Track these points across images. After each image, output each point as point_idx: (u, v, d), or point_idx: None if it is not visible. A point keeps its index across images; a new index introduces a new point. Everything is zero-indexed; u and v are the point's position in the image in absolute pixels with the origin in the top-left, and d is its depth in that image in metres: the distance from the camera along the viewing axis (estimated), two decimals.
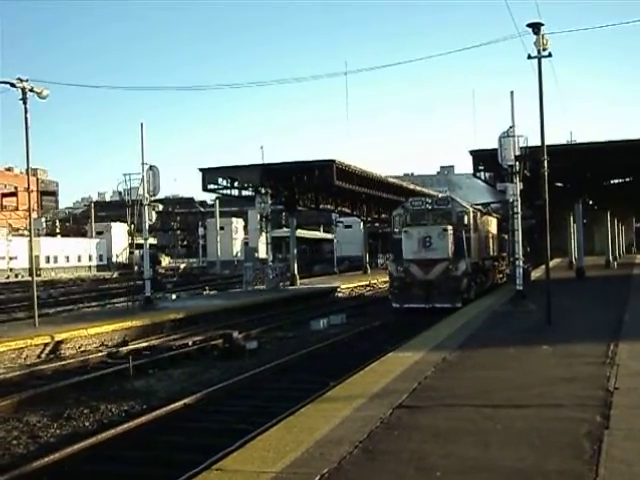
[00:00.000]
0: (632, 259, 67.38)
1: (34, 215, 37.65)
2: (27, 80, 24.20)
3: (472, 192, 67.05)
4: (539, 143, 21.45)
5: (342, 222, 76.13)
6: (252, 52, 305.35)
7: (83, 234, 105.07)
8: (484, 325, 20.88)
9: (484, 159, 37.35)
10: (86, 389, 16.40)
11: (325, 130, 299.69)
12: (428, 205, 30.74)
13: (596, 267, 48.62)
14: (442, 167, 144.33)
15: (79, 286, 61.35)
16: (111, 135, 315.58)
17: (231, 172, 44.06)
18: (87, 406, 14.71)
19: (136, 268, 58.52)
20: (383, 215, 60.32)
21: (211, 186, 44.76)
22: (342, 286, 44.62)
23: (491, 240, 37.18)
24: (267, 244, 45.78)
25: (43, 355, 20.99)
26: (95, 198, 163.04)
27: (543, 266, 29.09)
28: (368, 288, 46.37)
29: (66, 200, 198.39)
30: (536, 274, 39.97)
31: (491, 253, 36.78)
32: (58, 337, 21.84)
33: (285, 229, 71.86)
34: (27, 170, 26.49)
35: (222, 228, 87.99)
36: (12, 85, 23.91)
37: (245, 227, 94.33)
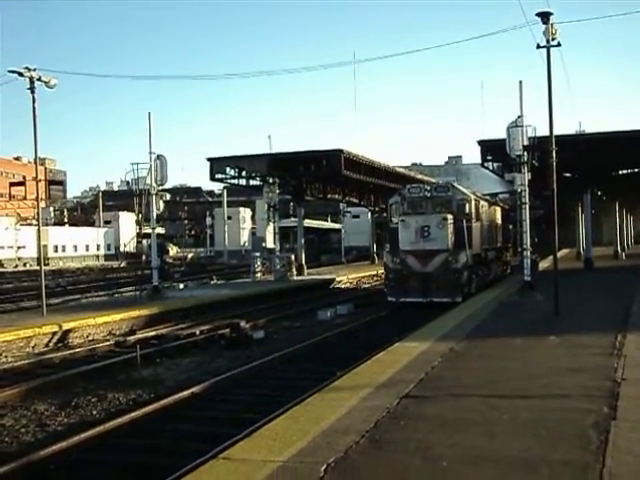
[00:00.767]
0: None
1: (42, 204, 37.42)
2: (35, 69, 24.23)
3: (480, 182, 66.90)
4: (547, 133, 21.37)
5: (350, 212, 76.07)
6: (260, 43, 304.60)
7: (91, 223, 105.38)
8: (491, 316, 20.86)
9: (492, 149, 37.23)
10: (94, 378, 16.46)
11: (333, 120, 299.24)
12: (427, 192, 29.08)
13: (604, 258, 48.51)
14: (450, 157, 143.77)
15: (87, 275, 61.51)
16: (119, 124, 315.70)
17: (239, 162, 44.04)
18: (95, 395, 14.79)
19: (144, 257, 58.75)
20: None
21: (219, 176, 44.76)
22: (349, 276, 44.63)
23: (494, 230, 35.65)
24: (275, 234, 45.77)
25: (51, 344, 21.07)
26: (103, 187, 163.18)
27: (551, 257, 29.02)
28: (375, 278, 46.33)
29: (74, 189, 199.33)
30: (544, 265, 39.89)
31: (494, 244, 35.06)
32: (66, 326, 21.91)
33: (293, 219, 71.84)
34: (35, 159, 26.52)
35: (229, 218, 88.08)
36: (20, 74, 23.96)
37: (253, 217, 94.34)
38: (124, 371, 17.34)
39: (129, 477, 10.07)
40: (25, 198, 36.53)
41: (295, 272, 42.91)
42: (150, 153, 30.84)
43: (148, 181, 31.46)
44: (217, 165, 43.81)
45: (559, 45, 21.00)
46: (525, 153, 25.43)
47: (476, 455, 7.61)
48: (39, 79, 24.26)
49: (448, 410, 9.53)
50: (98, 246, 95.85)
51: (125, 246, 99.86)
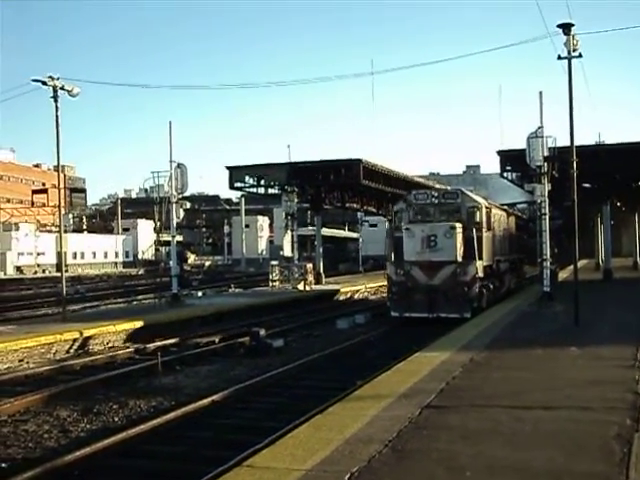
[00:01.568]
0: None
1: (62, 211, 37.50)
2: (58, 78, 24.48)
3: (499, 192, 66.76)
4: (567, 143, 21.37)
5: (367, 221, 76.12)
6: (279, 49, 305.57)
7: (109, 231, 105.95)
8: (511, 326, 20.81)
9: (512, 159, 37.16)
10: (115, 385, 16.57)
11: (351, 128, 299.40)
12: (434, 199, 27.19)
13: (623, 269, 48.25)
14: (468, 166, 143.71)
15: (105, 282, 61.82)
16: (138, 132, 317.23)
17: (258, 170, 44.25)
18: (116, 402, 14.88)
19: (162, 265, 59.09)
20: None
21: (238, 184, 45.02)
22: (367, 285, 44.57)
23: (508, 240, 34.15)
24: (292, 242, 45.84)
25: (72, 350, 21.21)
26: (121, 195, 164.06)
27: (570, 267, 28.92)
28: None
29: (93, 196, 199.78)
30: (563, 275, 39.77)
31: (508, 254, 33.39)
32: (86, 333, 22.06)
33: (311, 227, 71.86)
34: (57, 167, 26.76)
35: (247, 226, 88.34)
36: (44, 83, 24.20)
37: (270, 225, 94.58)
38: (144, 378, 17.44)
39: None
40: (45, 205, 36.70)
41: (313, 281, 42.95)
42: (171, 161, 31.04)
43: (167, 189, 31.69)
44: (236, 174, 44.05)
45: (580, 56, 21.02)
46: (545, 164, 25.42)
47: (499, 465, 7.63)
48: (62, 88, 24.51)
49: (470, 420, 9.55)
50: (116, 253, 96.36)
51: (143, 253, 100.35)
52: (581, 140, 28.28)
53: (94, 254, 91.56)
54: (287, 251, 48.17)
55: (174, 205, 31.24)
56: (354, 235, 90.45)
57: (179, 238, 73.48)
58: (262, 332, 21.80)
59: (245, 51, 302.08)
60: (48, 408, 14.41)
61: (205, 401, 14.20)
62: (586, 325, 19.40)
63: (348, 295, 40.69)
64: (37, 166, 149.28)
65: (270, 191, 47.20)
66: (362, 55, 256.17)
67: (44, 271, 76.67)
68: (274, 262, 47.33)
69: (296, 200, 43.89)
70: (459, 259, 25.49)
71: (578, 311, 19.77)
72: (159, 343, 22.17)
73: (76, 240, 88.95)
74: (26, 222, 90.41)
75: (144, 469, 10.49)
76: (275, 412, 13.42)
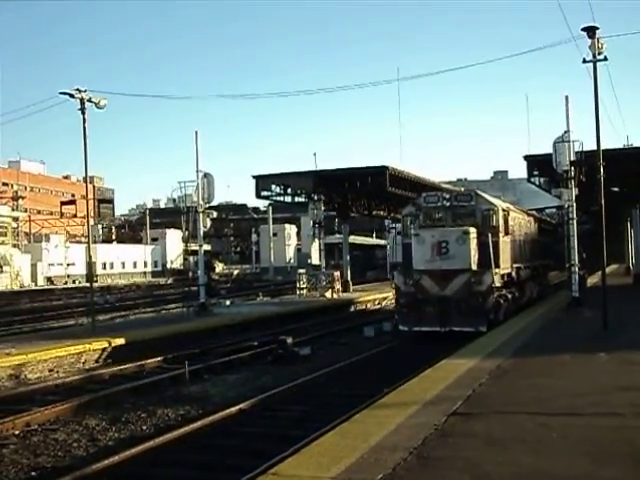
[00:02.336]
0: None
1: (91, 222, 38.09)
2: (85, 91, 24.76)
3: (527, 197, 66.46)
4: (594, 147, 21.22)
5: (395, 228, 75.93)
6: (307, 58, 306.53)
7: (138, 241, 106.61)
8: (539, 333, 20.68)
9: (539, 164, 36.94)
10: (143, 393, 16.68)
11: (377, 135, 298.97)
12: (446, 202, 25.10)
13: None
14: (495, 172, 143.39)
15: (135, 292, 62.23)
16: (167, 142, 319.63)
17: (284, 179, 44.36)
18: (144, 410, 14.98)
19: (190, 274, 59.35)
20: None
21: (264, 193, 45.15)
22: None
23: (530, 245, 32.13)
24: (320, 250, 45.91)
25: (101, 360, 21.38)
26: (150, 205, 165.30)
27: (599, 272, 28.65)
28: None
29: (122, 207, 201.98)
30: (592, 280, 39.43)
31: (530, 261, 31.16)
32: (115, 342, 22.23)
33: (338, 235, 71.93)
34: (85, 179, 27.06)
35: (275, 234, 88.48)
36: (71, 96, 24.50)
37: (298, 233, 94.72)
38: (173, 387, 17.55)
39: None
40: (75, 216, 37.10)
41: (340, 288, 42.95)
42: (197, 171, 31.29)
43: (195, 199, 31.92)
44: (263, 182, 44.18)
45: (605, 60, 20.89)
46: (572, 168, 25.26)
47: (525, 473, 7.59)
48: (89, 100, 24.80)
49: (496, 427, 9.50)
50: (145, 263, 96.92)
51: (172, 263, 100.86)
52: (609, 144, 28.14)
53: (123, 264, 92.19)
54: (315, 259, 48.34)
55: (201, 214, 31.44)
56: (382, 242, 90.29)
57: (207, 247, 73.69)
58: (289, 340, 21.85)
59: (274, 61, 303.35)
60: (77, 417, 14.55)
61: (232, 409, 14.26)
62: (615, 330, 19.23)
63: (375, 303, 40.64)
64: (67, 177, 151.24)
65: (297, 199, 47.31)
66: (389, 63, 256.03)
67: (74, 281, 77.34)
68: (301, 270, 47.43)
69: (323, 208, 43.94)
70: (473, 267, 23.60)
71: (607, 316, 19.60)
72: (187, 352, 22.27)
73: (105, 250, 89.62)
74: (56, 233, 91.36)
75: (171, 478, 10.56)
76: (302, 420, 13.45)
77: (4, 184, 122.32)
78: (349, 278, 46.10)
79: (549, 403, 10.88)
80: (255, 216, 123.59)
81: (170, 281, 78.85)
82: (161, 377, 18.44)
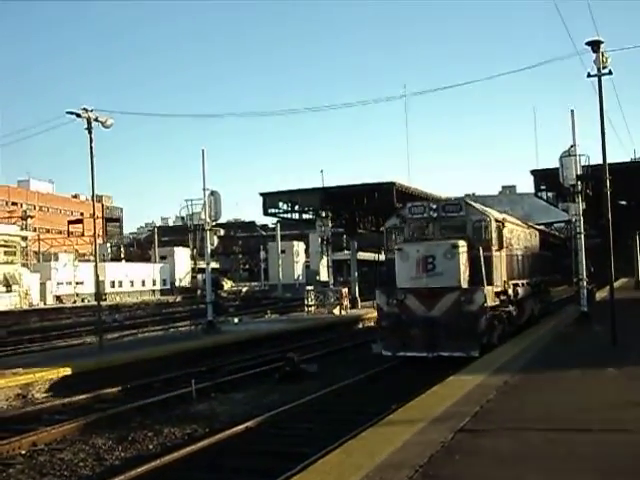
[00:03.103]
0: None
1: (99, 241, 38.16)
2: (92, 110, 24.90)
3: (536, 212, 66.35)
4: (601, 161, 21.18)
5: None
6: (315, 73, 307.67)
7: (147, 259, 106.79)
8: (547, 348, 20.56)
9: (546, 178, 36.96)
10: (150, 412, 16.63)
11: (384, 149, 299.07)
12: (432, 212, 22.86)
13: None
14: (504, 187, 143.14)
15: (143, 310, 62.26)
16: (175, 160, 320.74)
17: (291, 196, 44.46)
18: (151, 429, 14.93)
19: (199, 292, 59.39)
20: None
21: (272, 210, 45.23)
22: None
23: (530, 260, 29.68)
24: (328, 267, 45.87)
25: (108, 378, 21.31)
26: (158, 223, 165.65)
27: (608, 287, 28.51)
28: None
29: (130, 225, 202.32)
30: (601, 295, 39.24)
31: (530, 276, 28.74)
32: (122, 361, 22.20)
33: (346, 252, 71.95)
34: (92, 197, 27.14)
35: (283, 251, 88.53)
36: (78, 115, 24.62)
37: (306, 250, 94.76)
38: (180, 405, 17.50)
39: None
40: (83, 234, 37.18)
41: (349, 305, 42.86)
42: (204, 189, 31.36)
43: (202, 217, 31.96)
44: (270, 200, 44.28)
45: (610, 73, 20.85)
46: (579, 182, 25.21)
47: None
48: (96, 119, 24.93)
49: (504, 444, 9.42)
50: (154, 281, 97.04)
51: (180, 281, 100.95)
52: (616, 157, 28.08)
53: (132, 282, 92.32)
54: (323, 276, 48.28)
55: (208, 232, 31.47)
56: None
57: (215, 265, 73.84)
58: (296, 358, 21.78)
59: (279, 77, 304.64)
60: (84, 436, 14.51)
61: (239, 428, 14.21)
62: (624, 345, 19.08)
63: None
64: (75, 197, 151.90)
65: (304, 216, 47.41)
66: (396, 78, 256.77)
67: (83, 300, 77.40)
68: (309, 287, 47.40)
69: (330, 225, 43.98)
70: (463, 285, 21.37)
71: (615, 331, 19.48)
72: (194, 370, 22.24)
73: (114, 269, 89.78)
74: (65, 252, 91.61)
75: None
76: (309, 438, 13.37)
77: (13, 203, 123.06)
78: (357, 294, 46.03)
79: (558, 419, 10.79)
80: (263, 233, 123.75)
81: (178, 299, 78.87)
82: (168, 395, 18.36)
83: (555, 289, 39.60)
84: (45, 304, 74.00)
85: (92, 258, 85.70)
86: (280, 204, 45.08)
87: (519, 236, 27.72)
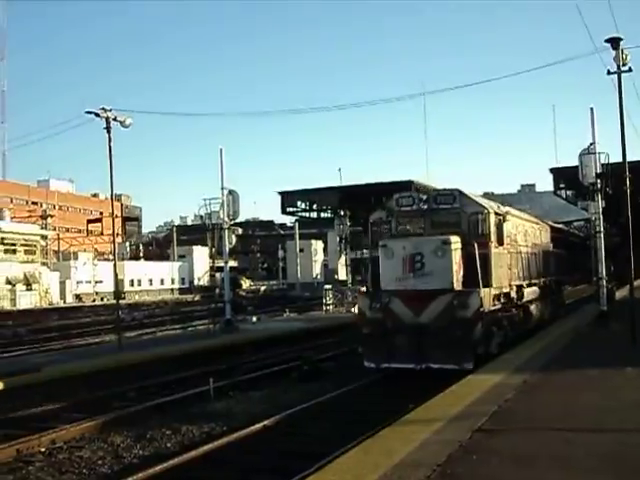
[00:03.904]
0: None
1: (118, 240, 38.34)
2: (111, 110, 25.01)
3: (556, 210, 66.08)
4: (621, 159, 21.05)
5: None
6: (334, 75, 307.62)
7: (166, 258, 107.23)
8: (566, 347, 20.43)
9: (565, 177, 36.81)
10: (168, 411, 16.68)
11: (403, 148, 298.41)
12: (423, 204, 20.20)
13: None
14: (523, 185, 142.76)
15: (162, 309, 62.49)
16: (195, 159, 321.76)
17: (309, 195, 44.57)
18: (169, 427, 14.97)
19: (217, 291, 59.43)
20: None
21: (290, 209, 45.36)
22: None
23: (538, 258, 26.77)
24: (346, 266, 45.83)
25: (127, 376, 21.41)
26: (177, 222, 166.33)
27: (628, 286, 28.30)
28: None
29: (149, 224, 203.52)
30: (621, 294, 38.92)
31: (538, 277, 26.03)
32: (141, 359, 22.30)
33: (365, 250, 71.93)
34: (111, 197, 27.24)
35: (302, 250, 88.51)
36: (96, 115, 24.75)
37: (325, 249, 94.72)
38: (198, 404, 17.52)
39: None
40: (102, 233, 37.35)
41: None
42: (222, 189, 31.39)
43: (221, 216, 32.02)
44: (288, 198, 44.40)
45: (630, 70, 20.73)
46: (598, 180, 25.04)
47: None
48: (115, 119, 25.04)
49: (521, 444, 9.39)
50: (172, 280, 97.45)
51: (199, 280, 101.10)
52: (637, 156, 27.82)
53: (151, 281, 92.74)
54: (341, 274, 48.20)
55: (226, 231, 31.52)
56: None
57: (233, 264, 74.01)
58: (314, 357, 21.78)
59: (300, 75, 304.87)
60: (102, 434, 14.58)
61: (256, 426, 14.23)
62: None
63: None
64: (95, 196, 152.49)
65: (322, 215, 47.43)
66: (414, 76, 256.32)
67: (102, 299, 77.85)
68: (328, 286, 47.38)
69: (349, 223, 43.96)
70: (456, 287, 18.79)
71: (635, 330, 19.35)
72: (213, 368, 22.29)
73: (133, 267, 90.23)
74: (84, 251, 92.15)
75: None
76: (326, 437, 13.34)
77: (33, 203, 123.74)
78: None
79: (575, 419, 10.74)
80: (282, 232, 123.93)
81: (197, 298, 79.09)
82: (186, 394, 18.41)
83: (574, 288, 39.22)
84: (65, 303, 74.52)
85: (111, 257, 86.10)
86: (298, 203, 45.17)
87: (526, 232, 25.43)
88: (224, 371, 22.02)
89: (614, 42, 20.29)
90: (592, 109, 25.32)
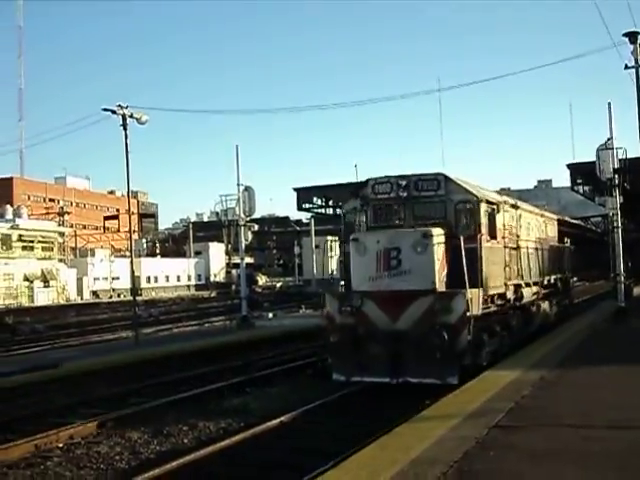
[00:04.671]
0: None
1: (135, 236, 38.62)
2: (127, 107, 25.11)
3: (573, 206, 65.70)
4: (639, 154, 20.93)
5: None
6: (351, 72, 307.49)
7: (182, 254, 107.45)
8: (584, 344, 20.33)
9: (582, 172, 36.61)
10: (185, 406, 16.71)
11: (419, 144, 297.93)
12: (402, 191, 17.45)
13: None
14: (539, 181, 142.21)
15: (178, 305, 62.68)
16: (211, 156, 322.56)
17: (325, 191, 44.67)
18: (186, 423, 14.99)
19: (233, 287, 59.63)
20: None
21: (305, 205, 45.41)
22: None
23: (542, 254, 23.95)
24: None
25: (143, 372, 21.50)
26: (193, 219, 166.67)
27: None
28: None
29: (166, 221, 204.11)
30: (639, 290, 38.76)
31: (541, 275, 23.33)
32: (157, 355, 22.39)
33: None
34: (128, 193, 27.39)
35: (317, 246, 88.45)
36: (113, 112, 24.86)
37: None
38: (215, 400, 17.54)
39: None
40: (118, 230, 37.48)
41: None
42: (238, 185, 31.46)
43: (237, 212, 32.08)
44: (304, 195, 44.51)
45: None
46: (616, 176, 24.90)
47: None
48: (131, 116, 25.15)
49: (538, 441, 9.35)
50: (189, 276, 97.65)
51: (215, 276, 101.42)
52: None
53: (167, 277, 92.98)
54: None
55: (242, 228, 31.58)
56: None
57: (250, 260, 74.14)
58: None
59: (316, 72, 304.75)
60: (119, 430, 14.63)
61: (273, 422, 14.25)
62: None
63: None
64: (112, 193, 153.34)
65: (338, 211, 47.36)
66: (429, 73, 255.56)
67: (119, 295, 78.14)
68: (342, 282, 47.28)
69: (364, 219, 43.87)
70: (439, 287, 16.19)
71: None
72: (229, 365, 22.36)
73: (149, 264, 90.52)
74: (101, 248, 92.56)
75: None
76: (343, 433, 13.34)
77: (51, 200, 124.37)
78: None
79: (593, 416, 10.68)
80: (297, 229, 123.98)
81: (213, 294, 79.26)
82: (203, 390, 18.46)
83: (591, 284, 39.01)
84: (82, 299, 74.89)
85: (128, 253, 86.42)
86: (314, 199, 45.17)
87: (528, 225, 22.83)
88: (240, 367, 22.08)
89: (632, 36, 20.19)
90: (609, 104, 25.20)
